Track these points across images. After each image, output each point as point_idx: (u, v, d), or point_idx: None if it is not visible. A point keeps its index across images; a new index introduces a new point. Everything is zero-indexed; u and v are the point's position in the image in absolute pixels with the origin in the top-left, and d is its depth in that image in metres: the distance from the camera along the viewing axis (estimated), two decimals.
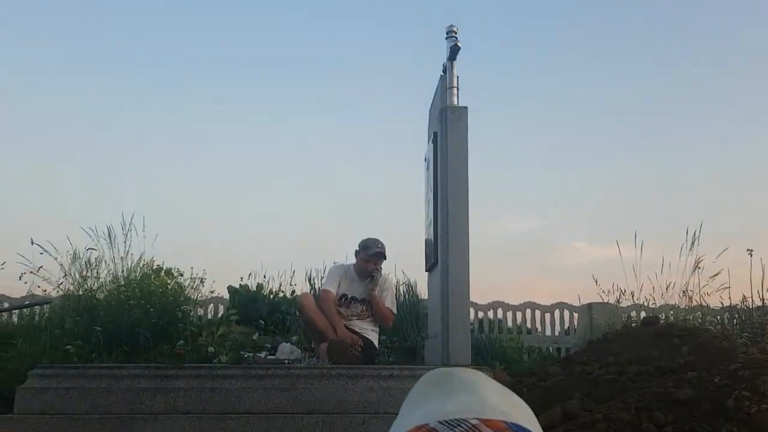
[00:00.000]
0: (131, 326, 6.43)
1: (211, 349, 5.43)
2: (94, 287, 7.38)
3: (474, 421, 0.60)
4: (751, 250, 6.54)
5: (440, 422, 0.60)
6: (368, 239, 5.74)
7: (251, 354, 5.20)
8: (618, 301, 7.86)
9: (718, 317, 7.50)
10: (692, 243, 6.77)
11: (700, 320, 6.91)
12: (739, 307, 7.19)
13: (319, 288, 7.64)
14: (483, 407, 0.62)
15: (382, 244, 5.71)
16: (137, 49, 16.77)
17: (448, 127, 5.13)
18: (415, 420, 0.63)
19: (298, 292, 8.32)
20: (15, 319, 8.17)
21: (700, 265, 6.77)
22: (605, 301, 8.08)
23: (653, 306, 7.54)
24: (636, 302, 7.76)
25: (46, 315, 7.46)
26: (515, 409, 0.65)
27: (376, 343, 5.74)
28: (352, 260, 5.82)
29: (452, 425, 0.60)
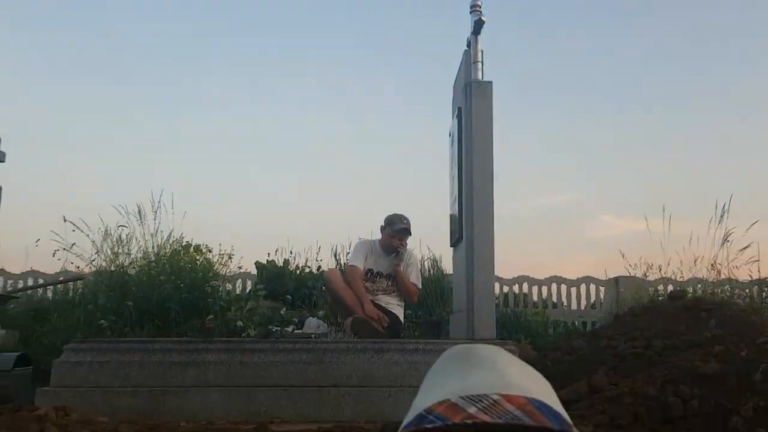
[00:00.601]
0: (162, 301, 6.57)
1: (239, 323, 5.52)
2: (126, 263, 7.54)
3: (496, 397, 0.61)
4: None
5: (462, 398, 0.61)
6: (394, 215, 5.76)
7: (279, 328, 5.28)
8: (645, 275, 7.80)
9: (747, 290, 7.40)
10: (721, 216, 6.65)
11: (728, 294, 6.83)
12: None
13: (344, 263, 7.70)
14: (504, 383, 0.63)
15: (408, 220, 5.73)
16: (159, 25, 16.86)
17: (472, 102, 5.09)
18: (436, 396, 0.64)
19: (324, 268, 8.40)
20: (50, 295, 8.38)
21: (729, 239, 6.66)
22: (632, 275, 8.02)
23: (681, 279, 7.47)
24: (663, 276, 7.69)
25: (80, 291, 7.64)
26: (536, 384, 0.66)
27: (401, 317, 5.79)
28: (378, 236, 5.86)
29: (474, 401, 0.60)
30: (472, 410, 0.59)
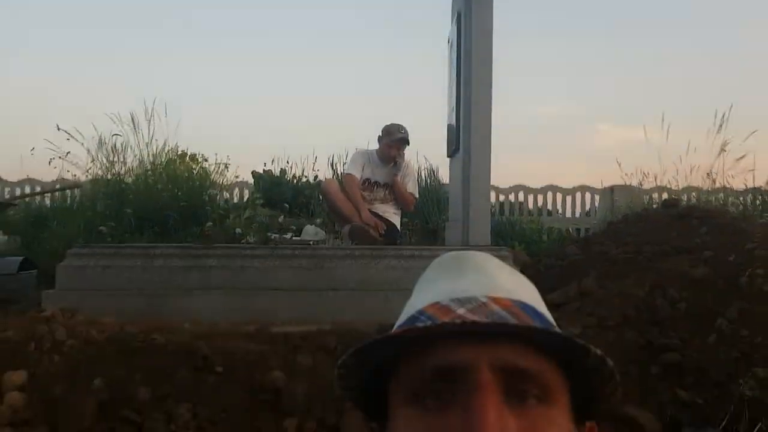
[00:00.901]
0: (160, 209, 6.62)
1: (238, 230, 5.60)
2: (122, 172, 7.54)
3: (483, 299, 0.64)
4: None
5: (451, 300, 0.65)
6: (391, 125, 5.72)
7: (277, 235, 5.35)
8: (640, 184, 7.85)
9: (741, 199, 7.48)
10: (720, 125, 6.63)
11: (722, 202, 6.90)
12: (762, 188, 7.15)
13: (341, 173, 7.72)
14: (492, 286, 0.66)
15: (405, 130, 5.70)
16: None
17: (472, 7, 4.93)
18: (428, 298, 0.67)
19: (321, 178, 8.42)
20: (48, 202, 8.42)
21: (726, 148, 6.67)
22: (628, 183, 8.07)
23: (676, 188, 7.53)
24: (659, 185, 7.74)
25: (77, 198, 7.67)
26: (522, 288, 0.69)
27: (398, 225, 5.87)
28: (375, 146, 5.84)
29: (463, 302, 0.64)
30: (460, 311, 0.63)
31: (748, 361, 2.82)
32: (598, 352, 0.61)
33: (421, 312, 0.65)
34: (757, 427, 2.56)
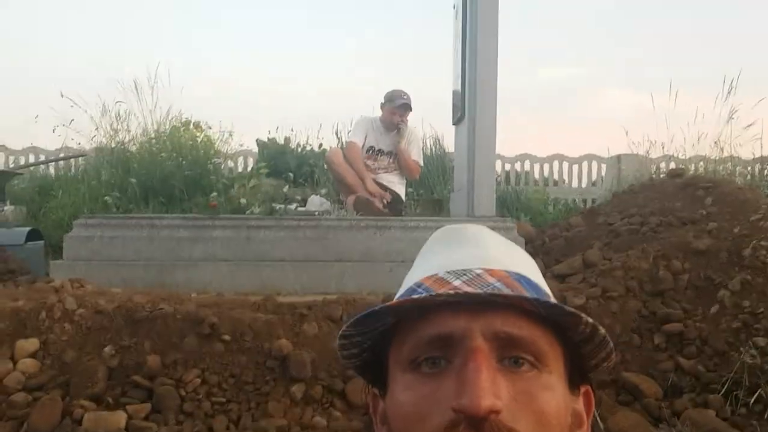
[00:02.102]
0: (165, 178, 6.63)
1: (243, 201, 5.60)
2: (126, 140, 7.53)
3: (478, 271, 0.67)
4: None
5: (448, 272, 0.67)
6: (393, 91, 5.67)
7: (282, 206, 5.37)
8: (647, 153, 7.80)
9: (749, 168, 7.44)
10: (728, 92, 6.54)
11: (729, 171, 6.86)
12: None
13: (346, 141, 7.70)
14: (487, 258, 0.69)
15: (408, 96, 5.65)
16: None
17: None
18: (425, 271, 0.70)
19: (325, 146, 8.39)
20: (52, 171, 8.44)
21: (734, 116, 6.60)
22: (635, 152, 8.02)
23: (683, 157, 7.48)
24: (666, 153, 7.69)
25: (82, 167, 7.68)
26: (517, 259, 0.72)
27: (402, 195, 5.87)
28: (379, 113, 5.80)
29: (458, 274, 0.67)
30: (456, 283, 0.65)
31: (748, 331, 2.85)
32: (589, 320, 0.63)
33: (418, 284, 0.68)
34: (757, 393, 2.60)
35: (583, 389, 0.71)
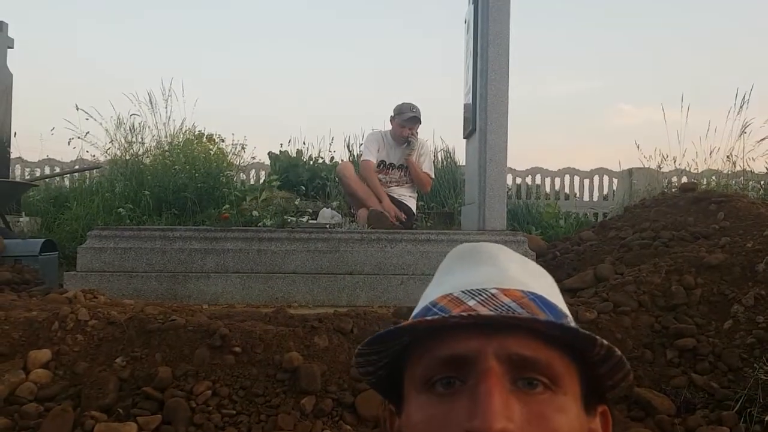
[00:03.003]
0: (178, 190, 6.68)
1: (255, 213, 5.63)
2: (140, 152, 7.60)
3: (493, 291, 0.67)
4: None
5: (463, 292, 0.68)
6: (402, 104, 5.69)
7: (294, 218, 5.39)
8: (659, 167, 7.76)
9: (762, 182, 7.38)
10: (741, 106, 6.52)
11: (742, 186, 6.81)
12: None
13: (357, 154, 7.72)
14: (502, 278, 0.69)
15: (417, 108, 5.67)
16: None
17: None
18: (441, 290, 0.70)
19: (337, 159, 8.43)
20: (67, 183, 8.53)
21: (746, 130, 6.57)
22: (646, 166, 7.98)
23: (695, 171, 7.44)
24: (678, 167, 7.65)
25: (96, 179, 7.76)
26: (535, 279, 0.72)
27: (414, 209, 5.88)
28: (389, 126, 5.83)
29: (473, 294, 0.67)
30: (471, 303, 0.66)
31: (763, 347, 2.81)
32: (605, 342, 0.63)
33: (434, 303, 0.69)
34: None
35: (600, 409, 0.71)
